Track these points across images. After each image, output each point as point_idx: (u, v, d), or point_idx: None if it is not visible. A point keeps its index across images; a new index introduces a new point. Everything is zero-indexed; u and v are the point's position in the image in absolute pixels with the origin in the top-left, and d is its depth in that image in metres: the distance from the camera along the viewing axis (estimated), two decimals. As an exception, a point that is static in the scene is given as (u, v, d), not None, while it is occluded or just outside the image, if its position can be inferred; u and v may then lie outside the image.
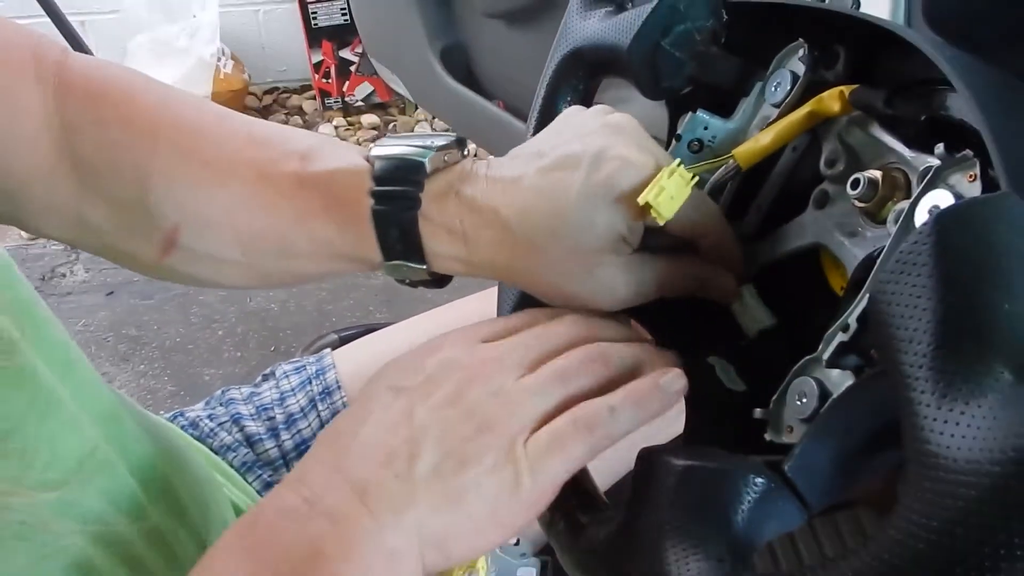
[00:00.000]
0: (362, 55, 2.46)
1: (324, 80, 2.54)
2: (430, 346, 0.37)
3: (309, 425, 0.63)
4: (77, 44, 1.61)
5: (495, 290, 0.47)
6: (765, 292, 0.41)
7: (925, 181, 0.31)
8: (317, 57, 2.51)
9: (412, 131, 2.45)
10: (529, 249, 0.37)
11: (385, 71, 1.26)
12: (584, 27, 0.46)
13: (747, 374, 0.42)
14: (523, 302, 0.44)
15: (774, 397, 0.34)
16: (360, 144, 0.41)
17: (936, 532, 0.21)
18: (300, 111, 2.64)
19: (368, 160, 0.39)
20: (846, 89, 0.36)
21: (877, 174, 0.34)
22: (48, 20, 1.58)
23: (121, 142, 0.39)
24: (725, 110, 0.43)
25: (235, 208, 0.40)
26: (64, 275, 2.01)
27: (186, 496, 0.43)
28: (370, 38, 1.29)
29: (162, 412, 0.59)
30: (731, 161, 0.40)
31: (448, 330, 0.39)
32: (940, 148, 0.31)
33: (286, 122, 2.54)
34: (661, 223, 0.36)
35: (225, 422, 0.62)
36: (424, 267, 0.39)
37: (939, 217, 0.25)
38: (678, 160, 0.37)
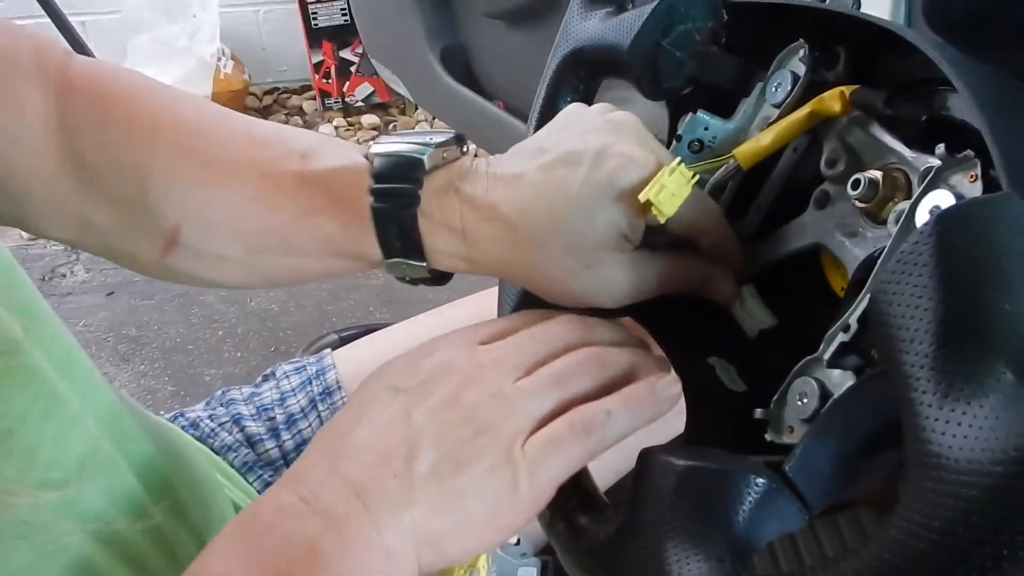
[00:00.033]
0: (362, 55, 2.46)
1: (324, 80, 2.54)
2: (427, 348, 0.37)
3: (310, 425, 0.63)
4: (77, 44, 1.61)
5: (495, 290, 0.47)
6: (765, 292, 0.41)
7: (926, 181, 0.31)
8: (317, 57, 2.51)
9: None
10: (530, 246, 0.37)
11: (385, 71, 1.26)
12: (585, 27, 0.46)
13: (748, 374, 0.42)
14: (524, 300, 0.44)
15: (775, 397, 0.34)
16: (360, 144, 0.41)
17: (937, 532, 0.21)
18: (300, 111, 2.64)
19: (368, 158, 0.39)
20: (847, 89, 0.36)
21: (878, 174, 0.34)
22: (49, 20, 1.58)
23: (122, 142, 0.40)
24: (726, 110, 0.43)
25: (236, 207, 0.40)
26: (64, 275, 2.01)
27: (187, 496, 0.43)
28: (370, 38, 1.29)
29: (162, 412, 0.59)
30: (732, 161, 0.41)
31: (448, 329, 0.39)
32: (941, 148, 0.31)
33: (286, 122, 2.54)
34: (662, 221, 0.36)
35: (226, 422, 0.62)
36: (424, 265, 0.39)
37: (940, 217, 0.25)
38: (679, 158, 0.37)
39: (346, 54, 2.50)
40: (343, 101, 2.57)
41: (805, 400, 0.33)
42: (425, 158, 0.38)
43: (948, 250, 0.24)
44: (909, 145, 0.34)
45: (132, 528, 0.37)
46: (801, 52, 0.39)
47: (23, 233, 2.00)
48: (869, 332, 0.30)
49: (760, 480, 0.29)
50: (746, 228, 0.43)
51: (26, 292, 0.35)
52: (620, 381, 0.36)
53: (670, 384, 0.35)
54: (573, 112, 0.41)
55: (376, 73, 1.95)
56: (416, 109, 2.58)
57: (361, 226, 0.39)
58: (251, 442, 0.62)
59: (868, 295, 0.30)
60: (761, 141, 0.40)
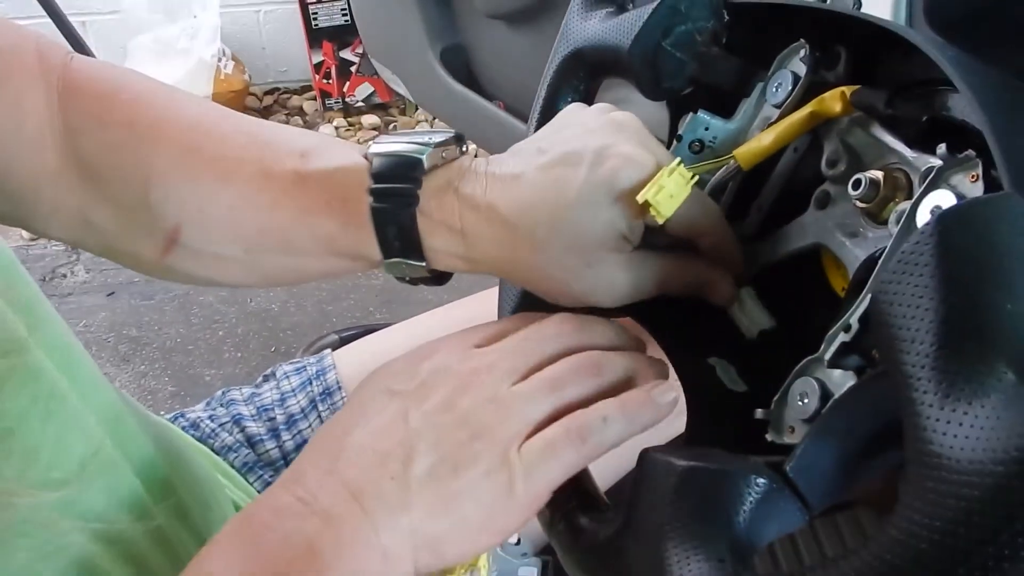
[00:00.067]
0: (363, 56, 2.46)
1: (325, 81, 2.54)
2: (424, 351, 0.37)
3: (310, 425, 0.63)
4: (78, 44, 1.61)
5: (496, 290, 0.47)
6: (766, 292, 0.41)
7: (927, 181, 0.31)
8: (318, 58, 2.51)
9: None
10: (529, 245, 0.37)
11: (386, 72, 1.26)
12: (585, 28, 0.46)
13: (748, 374, 0.42)
14: (524, 300, 0.44)
15: (775, 398, 0.34)
16: (361, 145, 0.41)
17: (938, 532, 0.21)
18: (301, 112, 2.64)
19: (367, 158, 0.39)
20: (847, 90, 0.36)
21: (879, 174, 0.34)
22: (49, 20, 1.58)
23: (124, 143, 0.40)
24: (726, 111, 0.43)
25: (237, 206, 0.40)
26: (65, 276, 2.01)
27: (188, 496, 0.43)
28: (370, 39, 1.29)
29: (163, 413, 0.59)
30: (732, 162, 0.40)
31: (449, 330, 0.39)
32: (942, 148, 0.31)
33: (287, 123, 2.55)
34: (660, 221, 0.36)
35: (226, 423, 0.62)
36: (423, 264, 0.39)
37: (941, 217, 0.25)
38: (678, 159, 0.37)
39: (346, 54, 2.50)
40: (343, 101, 2.57)
41: (806, 400, 0.33)
42: (424, 158, 0.38)
43: (949, 250, 0.24)
44: (910, 145, 0.34)
45: (134, 528, 0.37)
46: (802, 52, 0.39)
47: (24, 233, 2.01)
48: (870, 332, 0.30)
49: (761, 480, 0.29)
50: (746, 229, 0.43)
51: (29, 291, 0.35)
52: (616, 386, 0.36)
53: (666, 390, 0.35)
54: (573, 112, 0.41)
55: (376, 73, 1.95)
56: (416, 109, 2.58)
57: (360, 226, 0.39)
58: (251, 442, 0.62)
59: (869, 295, 0.30)
60: (762, 142, 0.40)
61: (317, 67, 2.52)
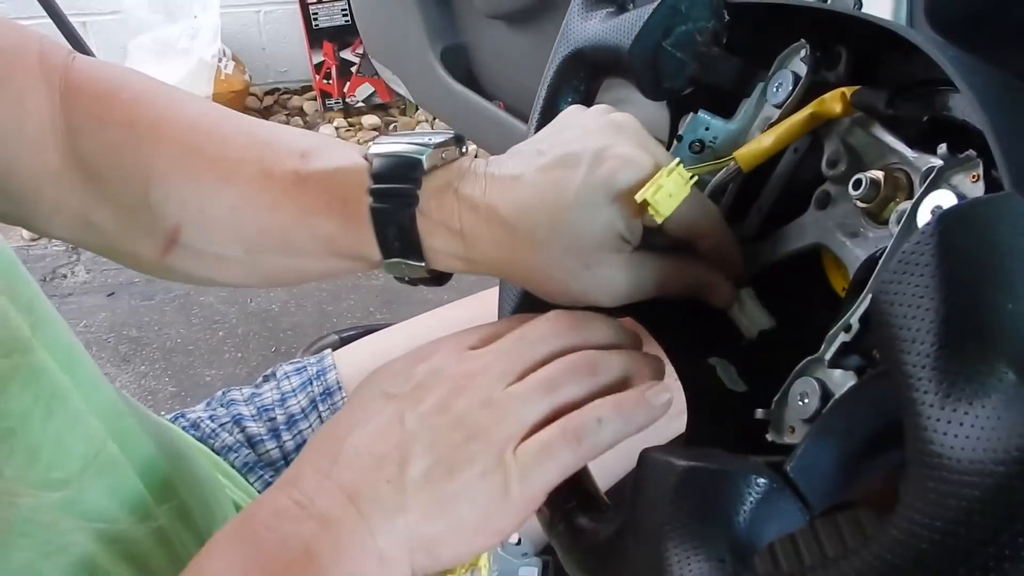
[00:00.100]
0: (363, 56, 2.46)
1: (325, 81, 2.54)
2: (420, 353, 0.37)
3: (310, 426, 0.63)
4: (78, 45, 1.61)
5: (496, 290, 0.47)
6: (766, 293, 0.41)
7: (928, 181, 0.31)
8: (318, 58, 2.51)
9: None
10: (528, 246, 0.37)
11: (386, 72, 1.26)
12: (585, 28, 0.46)
13: (748, 375, 0.42)
14: (524, 300, 0.44)
15: (776, 397, 0.34)
16: (361, 145, 0.41)
17: (939, 532, 0.21)
18: (301, 112, 2.64)
19: (367, 158, 0.39)
20: (848, 90, 0.36)
21: (879, 175, 0.34)
22: (50, 21, 1.58)
23: (124, 143, 0.40)
24: (726, 111, 0.43)
25: (238, 206, 0.40)
26: (65, 276, 2.01)
27: (189, 497, 0.43)
28: (371, 39, 1.29)
29: (163, 413, 0.59)
30: (732, 163, 0.40)
31: (449, 330, 0.39)
32: (943, 148, 0.31)
33: (287, 123, 2.54)
34: (659, 221, 0.36)
35: (226, 423, 0.62)
36: (423, 265, 0.39)
37: (942, 217, 0.25)
38: (677, 159, 0.37)
39: (347, 55, 2.50)
40: (344, 102, 2.57)
41: (806, 400, 0.33)
42: (424, 158, 0.38)
43: (950, 250, 0.24)
44: (911, 145, 0.34)
45: (136, 529, 0.37)
46: (802, 52, 0.39)
47: (24, 233, 2.01)
48: (871, 332, 0.30)
49: (761, 480, 0.29)
50: (746, 230, 0.43)
51: (30, 291, 0.35)
52: (611, 386, 0.36)
53: (661, 392, 0.35)
54: (573, 113, 0.41)
55: (377, 74, 1.95)
56: (417, 110, 2.58)
57: (360, 226, 0.39)
58: (252, 442, 0.62)
59: (870, 295, 0.30)
60: (762, 143, 0.40)
61: (317, 67, 2.52)
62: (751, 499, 0.29)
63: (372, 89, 2.55)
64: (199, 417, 0.62)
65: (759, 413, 0.35)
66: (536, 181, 0.37)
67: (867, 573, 0.23)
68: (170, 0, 2.39)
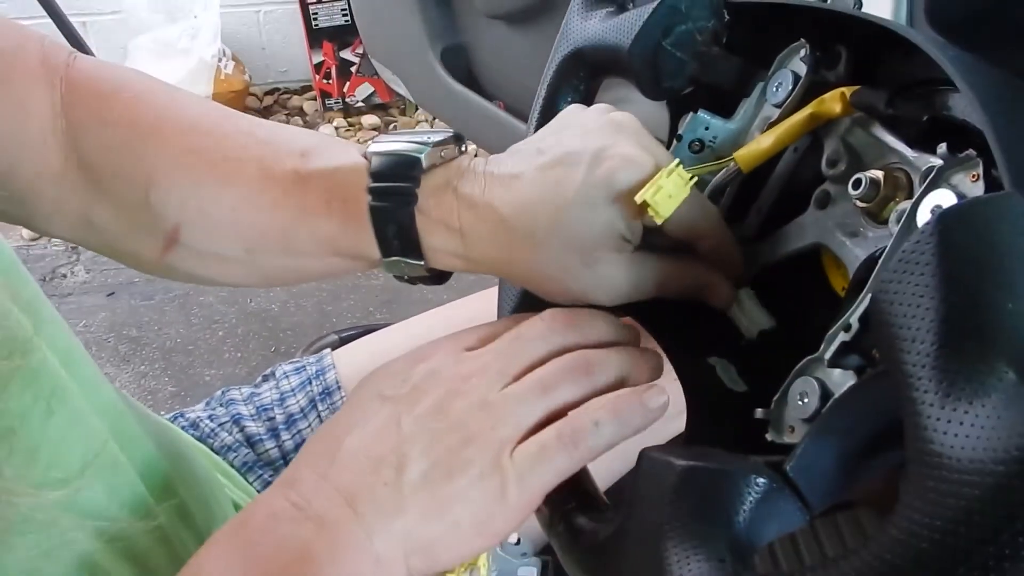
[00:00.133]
0: (363, 56, 2.46)
1: (325, 81, 2.54)
2: (416, 355, 0.38)
3: (309, 425, 0.63)
4: (78, 45, 1.61)
5: (495, 290, 0.47)
6: (766, 293, 0.41)
7: (928, 181, 0.31)
8: (318, 58, 2.51)
9: (413, 132, 2.44)
10: (528, 245, 0.37)
11: (386, 72, 1.26)
12: (585, 28, 0.46)
13: (748, 374, 0.42)
14: (524, 300, 0.44)
15: (775, 397, 0.34)
16: (361, 145, 0.41)
17: (939, 532, 0.21)
18: (301, 112, 2.64)
19: (366, 157, 0.39)
20: (847, 90, 0.36)
21: (879, 174, 0.34)
22: (50, 21, 1.58)
23: (125, 143, 0.40)
24: (726, 110, 0.43)
25: (238, 206, 0.40)
26: (65, 276, 2.01)
27: (189, 496, 0.43)
28: (371, 39, 1.29)
29: (163, 413, 0.59)
30: (732, 164, 0.40)
31: (448, 330, 0.39)
32: (943, 148, 0.31)
33: (287, 123, 2.54)
34: (659, 222, 0.36)
35: (225, 422, 0.62)
36: (422, 263, 0.39)
37: (942, 217, 0.25)
38: (677, 160, 0.37)
39: (347, 55, 2.50)
40: (344, 102, 2.57)
41: (806, 400, 0.33)
42: (423, 157, 0.38)
43: (950, 249, 0.24)
44: (910, 145, 0.34)
45: (135, 527, 0.37)
46: (802, 52, 0.39)
47: (24, 233, 2.01)
48: (870, 331, 0.30)
49: (761, 480, 0.29)
50: (746, 230, 0.43)
51: (31, 290, 0.35)
52: (609, 384, 0.36)
53: (657, 395, 0.36)
54: (573, 113, 0.41)
55: (377, 73, 1.95)
56: (416, 110, 2.58)
57: (360, 225, 0.39)
58: (251, 442, 0.62)
59: (869, 294, 0.30)
60: (761, 144, 0.40)
61: (317, 67, 2.52)
62: (751, 499, 0.29)
63: (372, 89, 2.55)
64: (198, 417, 0.62)
65: (759, 413, 0.35)
66: (536, 180, 0.37)
67: (867, 573, 0.23)
68: (170, 0, 2.39)
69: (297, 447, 0.62)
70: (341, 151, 0.40)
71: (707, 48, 0.42)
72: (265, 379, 0.68)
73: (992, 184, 0.28)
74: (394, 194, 0.38)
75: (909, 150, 0.34)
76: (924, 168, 0.32)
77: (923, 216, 0.31)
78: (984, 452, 0.21)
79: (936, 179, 0.31)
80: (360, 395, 0.37)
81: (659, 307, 0.41)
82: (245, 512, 0.34)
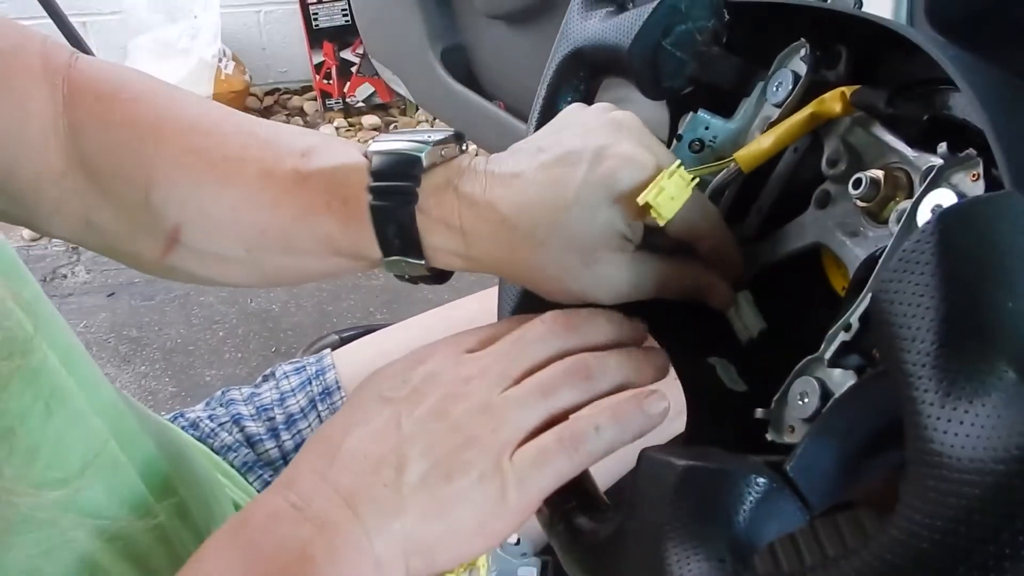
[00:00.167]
0: (363, 56, 2.46)
1: (325, 81, 2.54)
2: (417, 356, 0.37)
3: (309, 425, 0.63)
4: (78, 45, 1.61)
5: (495, 290, 0.47)
6: (766, 292, 0.41)
7: (928, 180, 0.31)
8: (318, 58, 2.51)
9: (413, 132, 2.44)
10: (528, 244, 0.37)
11: (386, 72, 1.26)
12: (585, 27, 0.46)
13: (748, 374, 0.42)
14: (524, 299, 0.44)
15: (776, 397, 0.34)
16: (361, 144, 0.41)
17: (939, 531, 0.21)
18: (301, 112, 2.64)
19: (367, 156, 0.39)
20: (847, 90, 0.36)
21: (879, 174, 0.34)
22: (50, 21, 1.58)
23: (126, 143, 0.40)
24: (726, 110, 0.43)
25: (238, 206, 0.40)
26: (65, 276, 2.01)
27: (189, 495, 0.43)
28: (371, 39, 1.29)
29: (163, 413, 0.58)
30: (732, 164, 0.40)
31: (449, 330, 0.39)
32: (943, 147, 0.31)
33: (287, 123, 2.54)
34: (662, 223, 0.36)
35: (225, 422, 0.62)
36: (423, 263, 0.39)
37: (942, 216, 0.25)
38: (678, 161, 0.37)
39: (347, 55, 2.50)
40: (344, 102, 2.57)
41: (806, 400, 0.32)
42: (423, 156, 0.38)
43: (950, 249, 0.24)
44: (911, 144, 0.34)
45: (135, 527, 0.37)
46: (802, 51, 0.39)
47: (24, 233, 2.01)
48: (870, 331, 0.30)
49: (761, 480, 0.29)
50: (746, 230, 0.43)
51: (32, 290, 0.35)
52: (611, 388, 0.36)
53: (659, 400, 0.36)
54: (574, 112, 0.41)
55: (377, 74, 1.95)
56: (417, 110, 2.58)
57: (360, 224, 0.38)
58: (251, 442, 0.62)
59: (870, 294, 0.30)
60: (761, 144, 0.39)
61: (318, 67, 2.52)
62: (751, 499, 0.29)
63: (372, 89, 2.55)
64: (198, 417, 0.62)
65: (759, 412, 0.35)
66: (536, 179, 0.37)
67: (867, 573, 0.23)
68: (170, 0, 2.39)
69: (297, 447, 0.62)
70: (341, 150, 0.40)
71: (707, 48, 0.42)
72: (265, 379, 0.68)
73: (992, 183, 0.28)
74: (395, 193, 0.38)
75: (909, 149, 0.34)
76: (924, 167, 0.32)
77: (923, 215, 0.31)
78: (984, 451, 0.21)
79: (936, 178, 0.31)
80: (360, 396, 0.37)
81: (659, 307, 0.41)
82: (245, 511, 0.34)
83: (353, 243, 0.39)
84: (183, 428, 0.60)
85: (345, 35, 2.47)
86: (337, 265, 0.41)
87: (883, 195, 0.34)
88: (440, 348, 0.38)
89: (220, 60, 2.40)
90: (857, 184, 0.34)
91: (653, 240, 0.39)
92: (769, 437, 0.34)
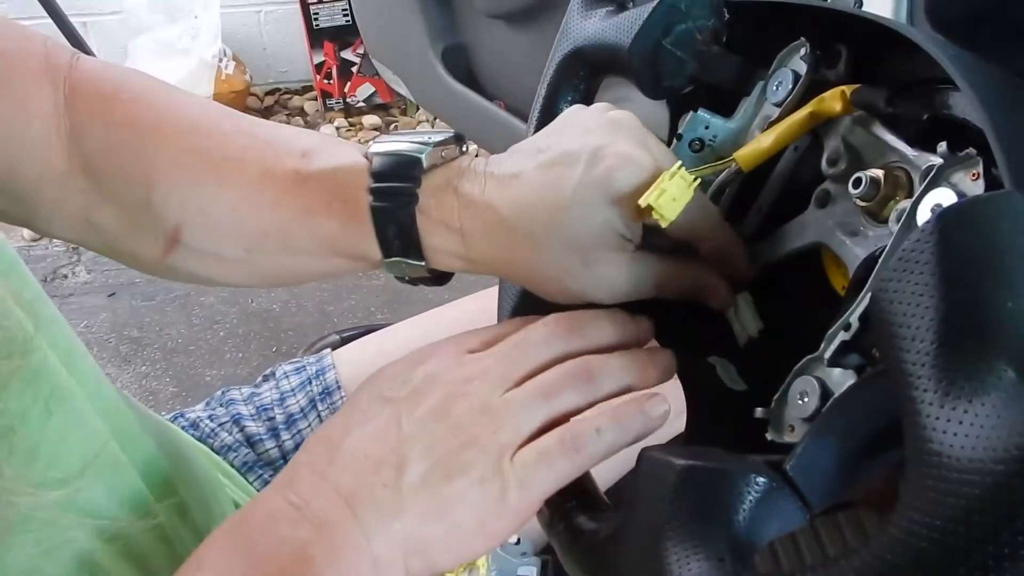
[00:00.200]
0: (363, 56, 2.46)
1: (326, 81, 2.54)
2: (417, 356, 0.37)
3: (309, 425, 0.63)
4: (79, 45, 1.61)
5: (495, 290, 0.47)
6: (766, 292, 0.41)
7: (928, 179, 0.31)
8: (319, 58, 2.51)
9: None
10: (528, 244, 0.37)
11: (386, 72, 1.26)
12: (585, 27, 0.46)
13: (748, 373, 0.42)
14: (524, 300, 0.44)
15: (775, 396, 0.34)
16: (362, 145, 0.41)
17: (938, 531, 0.21)
18: (302, 112, 2.64)
19: (367, 157, 0.39)
20: (847, 89, 0.36)
21: (879, 173, 0.34)
22: (50, 21, 1.58)
23: (127, 143, 0.40)
24: (726, 109, 0.43)
25: (239, 207, 0.40)
26: (66, 276, 2.01)
27: (189, 495, 0.43)
28: (371, 39, 1.29)
29: (163, 413, 0.59)
30: (732, 164, 0.40)
31: (449, 331, 0.39)
32: (943, 147, 0.31)
33: (288, 123, 2.55)
34: (664, 225, 0.36)
35: (225, 422, 0.62)
36: (423, 264, 0.39)
37: (942, 215, 0.25)
38: (679, 162, 0.37)
39: (347, 55, 2.50)
40: (344, 102, 2.57)
41: (806, 399, 0.32)
42: (423, 157, 0.38)
43: (950, 248, 0.24)
44: (911, 144, 0.34)
45: (135, 526, 0.37)
46: (802, 51, 0.39)
47: (25, 234, 2.01)
48: (870, 330, 0.30)
49: (760, 479, 0.29)
50: (746, 230, 0.43)
51: (33, 290, 0.35)
52: (612, 391, 0.36)
53: (659, 403, 0.36)
54: (574, 112, 0.41)
55: (377, 74, 1.95)
56: (417, 110, 2.58)
57: (360, 225, 0.39)
58: (251, 442, 0.62)
59: (869, 293, 0.30)
60: (762, 143, 0.39)
61: (318, 67, 2.52)
62: (751, 498, 0.29)
63: (373, 89, 2.55)
64: (198, 417, 0.62)
65: (759, 412, 0.35)
66: (535, 179, 0.37)
67: (867, 572, 0.23)
68: (170, 0, 2.39)
69: (297, 447, 0.62)
70: (342, 151, 0.40)
71: (707, 47, 0.42)
72: (265, 379, 0.68)
73: (992, 183, 0.28)
74: (395, 194, 0.38)
75: (909, 149, 0.34)
76: (924, 167, 0.32)
77: (923, 215, 0.30)
78: (984, 451, 0.21)
79: (936, 178, 0.31)
80: (360, 396, 0.36)
81: (659, 306, 0.41)
82: (244, 511, 0.34)
83: (353, 244, 0.39)
84: (183, 428, 0.60)
85: (346, 35, 2.46)
86: (337, 266, 0.41)
87: (883, 194, 0.34)
88: (441, 349, 0.38)
89: (220, 60, 2.40)
90: (857, 183, 0.34)
91: (653, 240, 0.39)
92: (769, 437, 0.34)
